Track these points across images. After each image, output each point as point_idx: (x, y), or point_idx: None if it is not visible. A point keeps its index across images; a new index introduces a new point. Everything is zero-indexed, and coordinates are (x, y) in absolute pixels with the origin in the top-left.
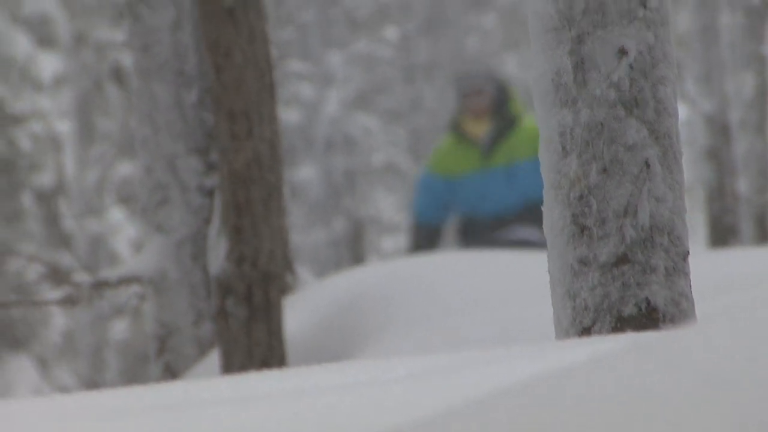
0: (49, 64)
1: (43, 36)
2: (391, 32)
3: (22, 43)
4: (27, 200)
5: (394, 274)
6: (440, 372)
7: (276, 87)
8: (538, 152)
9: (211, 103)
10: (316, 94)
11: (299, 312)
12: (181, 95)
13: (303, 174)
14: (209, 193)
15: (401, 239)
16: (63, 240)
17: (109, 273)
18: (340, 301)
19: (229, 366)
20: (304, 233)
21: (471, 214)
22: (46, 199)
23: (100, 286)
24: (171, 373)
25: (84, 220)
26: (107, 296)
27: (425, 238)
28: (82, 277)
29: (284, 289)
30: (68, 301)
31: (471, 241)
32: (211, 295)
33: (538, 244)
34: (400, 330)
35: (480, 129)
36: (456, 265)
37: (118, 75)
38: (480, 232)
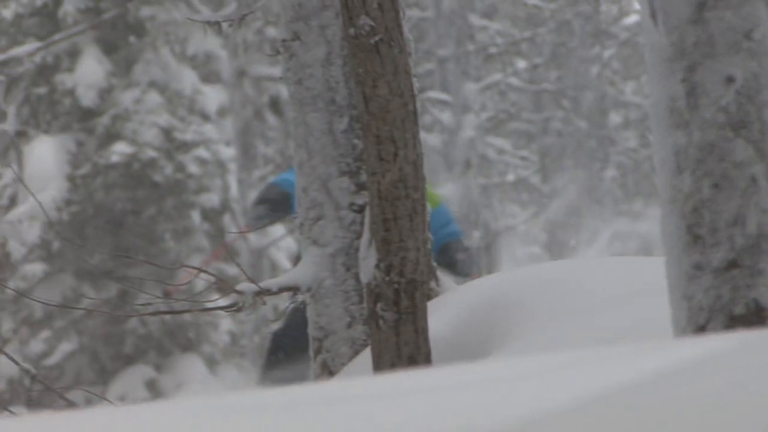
0: (213, 97)
1: (208, 72)
2: (521, 64)
3: (189, 79)
4: (195, 218)
5: (529, 278)
6: (569, 368)
7: (418, 114)
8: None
9: (360, 130)
10: (454, 120)
11: (442, 314)
12: (332, 123)
13: (444, 191)
14: (360, 210)
15: (534, 249)
16: (230, 253)
17: (270, 282)
18: (479, 304)
19: (380, 364)
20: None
21: None
22: (213, 216)
23: (262, 293)
24: (328, 371)
25: (247, 234)
26: (269, 302)
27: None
28: (246, 286)
29: (428, 294)
30: (234, 308)
31: None
32: (363, 300)
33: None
34: (534, 329)
35: None
36: (586, 269)
37: (275, 105)
38: None
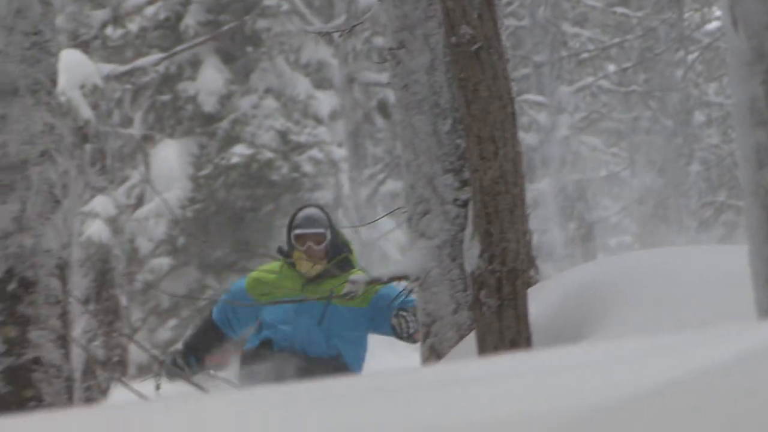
0: (325, 102)
1: (320, 78)
2: (610, 67)
3: (302, 85)
4: None
5: (622, 266)
6: (661, 352)
7: (516, 115)
8: (363, 302)
9: (463, 131)
10: (549, 120)
11: (541, 300)
12: (437, 125)
13: (541, 186)
14: (463, 205)
15: (625, 238)
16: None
17: (382, 272)
18: (575, 291)
19: (484, 347)
20: (544, 235)
21: (274, 335)
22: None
23: (374, 282)
24: (435, 354)
25: (358, 228)
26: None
27: (203, 333)
28: (359, 276)
29: (528, 282)
30: (348, 296)
31: (262, 363)
32: (468, 288)
33: None
34: (627, 314)
35: (313, 271)
36: (675, 257)
37: (383, 109)
38: (270, 355)
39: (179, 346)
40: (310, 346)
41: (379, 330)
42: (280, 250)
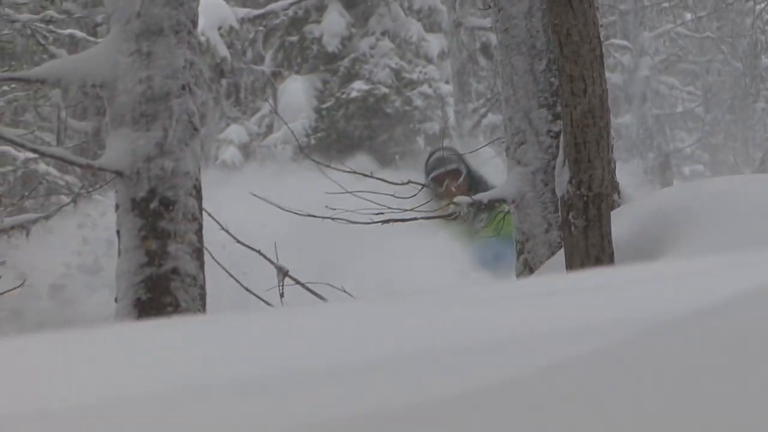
0: (435, 44)
1: (431, 23)
2: (687, 15)
3: (415, 28)
4: (420, 142)
5: (695, 192)
6: (729, 267)
7: (603, 57)
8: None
9: (556, 70)
10: (632, 62)
11: (623, 222)
12: (533, 65)
13: (625, 120)
14: (556, 136)
15: (698, 167)
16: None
17: (482, 195)
18: (654, 213)
19: (572, 263)
20: (627, 163)
21: None
22: (434, 141)
23: (475, 204)
24: (529, 268)
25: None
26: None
27: None
28: (462, 198)
29: (612, 205)
30: (453, 216)
31: None
32: (558, 210)
33: None
34: (700, 234)
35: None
36: (744, 184)
37: (486, 50)
38: None
39: None
40: None
41: None
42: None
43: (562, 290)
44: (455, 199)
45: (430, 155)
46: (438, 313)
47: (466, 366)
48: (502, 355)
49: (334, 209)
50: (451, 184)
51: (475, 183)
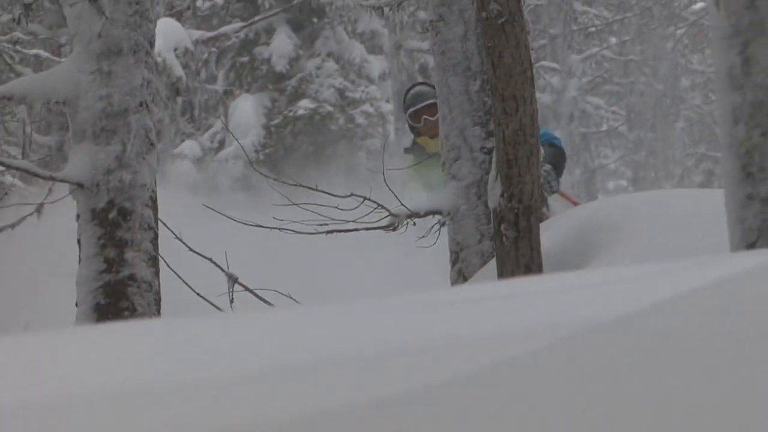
0: (376, 65)
1: (373, 45)
2: (612, 39)
3: (358, 50)
4: (362, 157)
5: (619, 205)
6: (648, 277)
7: (534, 78)
8: None
9: (489, 90)
10: (561, 83)
11: (551, 233)
12: (468, 85)
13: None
14: (488, 152)
15: (622, 182)
16: (388, 185)
17: (419, 206)
18: (579, 226)
19: (503, 272)
20: None
21: None
22: (376, 156)
23: (413, 216)
24: (462, 277)
25: (400, 171)
26: (418, 223)
27: None
28: (400, 209)
29: (540, 218)
30: (391, 227)
31: None
32: (490, 222)
33: None
34: (622, 246)
35: (439, 145)
36: (663, 198)
37: (424, 71)
38: None
39: None
40: None
41: None
42: (407, 149)
43: (494, 297)
44: (393, 210)
45: (407, 91)
46: (375, 318)
47: (399, 368)
48: (434, 358)
49: (281, 220)
50: (428, 122)
51: None
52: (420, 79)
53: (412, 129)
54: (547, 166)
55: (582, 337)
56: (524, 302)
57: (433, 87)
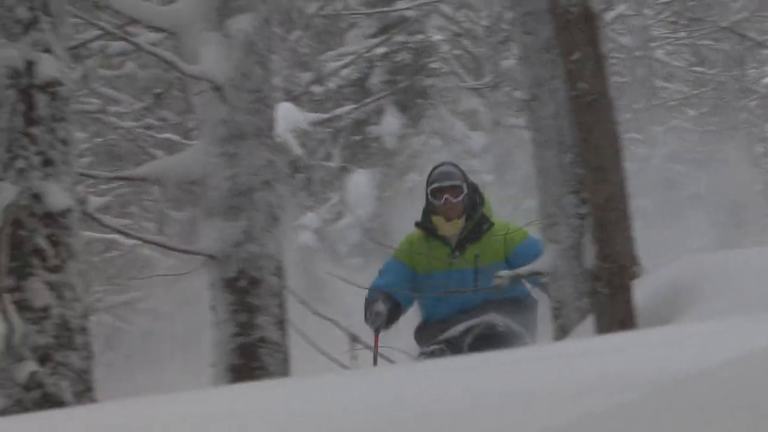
0: (477, 140)
1: (473, 122)
2: (691, 112)
3: (459, 128)
4: None
5: (703, 264)
6: (728, 331)
7: (621, 150)
8: (504, 253)
9: (581, 162)
10: (645, 152)
11: (643, 290)
12: (561, 158)
13: (640, 203)
14: (582, 217)
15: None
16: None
17: (522, 270)
18: (671, 282)
19: (600, 326)
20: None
21: (431, 312)
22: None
23: (517, 277)
24: (563, 331)
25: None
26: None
27: (383, 298)
28: (505, 272)
29: (633, 276)
30: (497, 287)
31: (429, 335)
32: (587, 281)
33: (501, 328)
34: (706, 303)
35: (453, 230)
36: (747, 258)
37: (521, 146)
38: (439, 326)
39: (372, 305)
40: (466, 309)
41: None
42: (419, 222)
43: (591, 351)
44: (500, 273)
45: (434, 168)
46: (484, 373)
47: (512, 416)
48: (535, 408)
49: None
50: (450, 201)
51: (473, 210)
52: (517, 153)
53: (429, 205)
54: None
55: (672, 389)
56: (622, 356)
57: (460, 169)
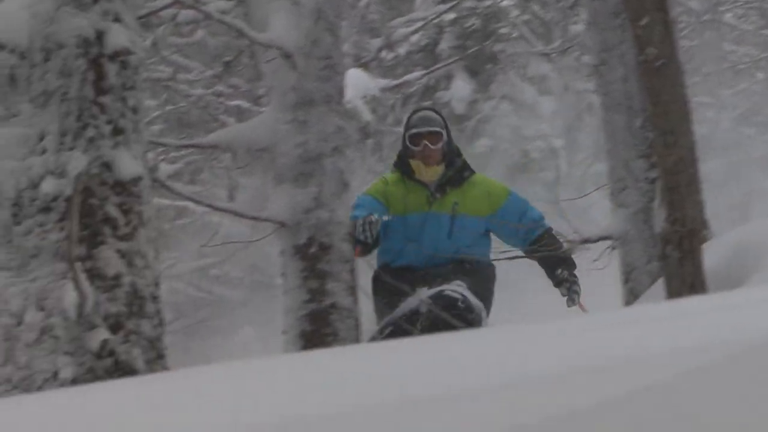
0: (547, 105)
1: (543, 87)
2: (760, 75)
3: (529, 92)
4: (538, 190)
5: None
6: None
7: (691, 113)
8: (488, 210)
9: (650, 126)
10: (714, 115)
11: (712, 254)
12: (631, 122)
13: (709, 166)
14: (652, 182)
15: None
16: (561, 213)
17: (591, 234)
18: (739, 245)
19: (670, 290)
20: (712, 205)
21: (397, 256)
22: (550, 187)
23: (586, 241)
24: (633, 295)
25: (573, 201)
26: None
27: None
28: (574, 236)
29: (702, 239)
30: (566, 251)
31: (389, 290)
32: (657, 244)
33: (461, 305)
34: None
35: (432, 175)
36: None
37: (591, 110)
38: (403, 274)
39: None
40: (437, 259)
41: (503, 238)
42: (396, 163)
43: (662, 317)
44: (569, 237)
45: (413, 112)
46: (565, 338)
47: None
48: (615, 375)
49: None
50: (429, 147)
51: (451, 159)
52: (587, 117)
53: (407, 150)
54: (570, 277)
55: (734, 357)
56: (691, 321)
57: (440, 115)
